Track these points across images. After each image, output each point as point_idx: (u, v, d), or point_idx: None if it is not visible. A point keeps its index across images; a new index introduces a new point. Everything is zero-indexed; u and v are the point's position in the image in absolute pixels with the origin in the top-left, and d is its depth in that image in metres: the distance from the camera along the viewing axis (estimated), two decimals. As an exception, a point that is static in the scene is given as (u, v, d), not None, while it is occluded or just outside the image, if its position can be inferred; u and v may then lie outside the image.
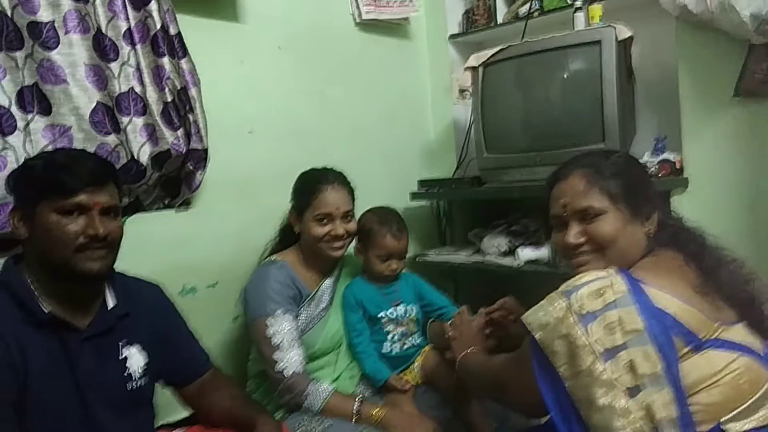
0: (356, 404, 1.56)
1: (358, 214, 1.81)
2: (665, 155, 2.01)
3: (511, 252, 2.29)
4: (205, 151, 1.83)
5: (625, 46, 2.02)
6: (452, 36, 2.74)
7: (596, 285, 1.02)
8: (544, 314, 1.04)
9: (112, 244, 1.23)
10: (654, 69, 2.20)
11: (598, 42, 1.98)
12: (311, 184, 1.73)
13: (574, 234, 1.17)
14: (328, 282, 1.80)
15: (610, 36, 1.97)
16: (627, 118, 2.07)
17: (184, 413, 1.50)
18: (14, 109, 1.46)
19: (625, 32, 1.97)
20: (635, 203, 1.16)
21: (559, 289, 1.06)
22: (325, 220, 1.69)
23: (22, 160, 1.39)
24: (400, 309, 1.79)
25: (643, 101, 2.24)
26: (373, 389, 1.74)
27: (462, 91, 2.70)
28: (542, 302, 1.06)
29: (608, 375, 0.96)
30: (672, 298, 1.01)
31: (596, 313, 0.99)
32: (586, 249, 1.16)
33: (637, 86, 2.21)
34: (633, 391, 0.95)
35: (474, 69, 2.29)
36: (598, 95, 1.99)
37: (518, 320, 1.53)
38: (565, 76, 2.10)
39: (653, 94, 2.23)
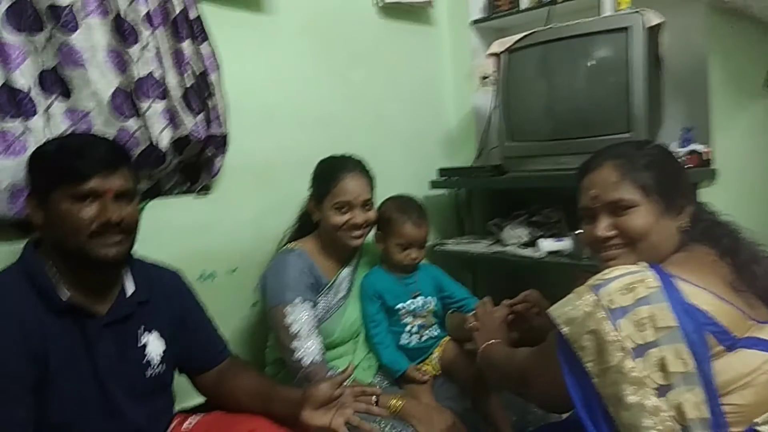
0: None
1: (377, 202, 1.79)
2: (693, 146, 1.96)
3: (531, 243, 2.26)
4: (225, 136, 1.82)
5: (653, 33, 1.96)
6: (474, 21, 2.68)
7: (627, 279, 0.99)
8: (572, 308, 1.01)
9: (127, 229, 1.22)
10: (683, 57, 2.13)
11: (626, 28, 1.93)
12: (331, 172, 1.71)
13: (603, 227, 1.13)
14: (346, 271, 1.79)
15: (638, 22, 1.91)
16: (654, 108, 2.02)
17: (200, 399, 1.50)
18: (34, 93, 1.45)
19: (654, 18, 1.92)
20: (668, 196, 1.12)
21: (588, 282, 1.03)
22: (344, 209, 1.67)
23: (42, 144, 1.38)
24: (419, 300, 1.77)
25: (670, 90, 2.18)
26: (390, 380, 1.73)
27: (483, 78, 2.65)
28: (570, 296, 1.04)
29: (638, 372, 0.93)
30: (706, 294, 0.98)
31: (626, 309, 0.96)
32: (616, 243, 1.13)
33: (665, 75, 2.15)
34: (663, 390, 0.93)
35: (497, 55, 2.24)
36: (624, 84, 1.94)
37: (542, 313, 1.52)
38: (591, 64, 2.05)
39: (681, 83, 2.17)
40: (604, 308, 0.97)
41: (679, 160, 1.25)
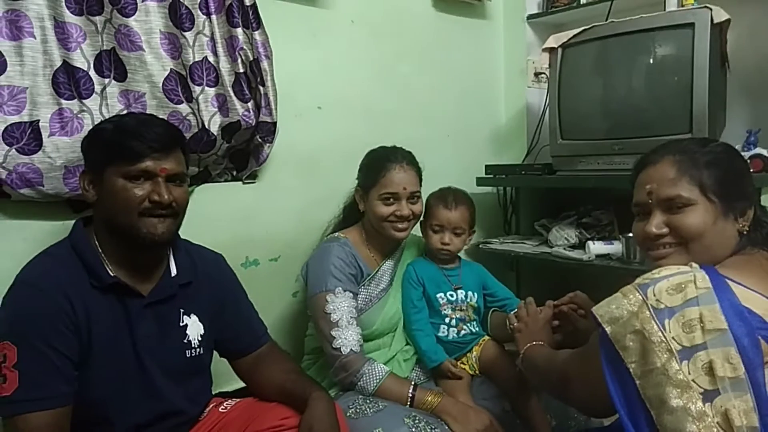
0: (411, 389, 1.52)
1: (423, 197, 1.76)
2: (757, 150, 1.87)
3: (580, 245, 2.19)
4: (274, 124, 1.83)
5: (720, 30, 1.88)
6: (531, 16, 2.63)
7: (677, 279, 0.95)
8: (617, 307, 0.98)
9: (176, 210, 1.24)
10: (750, 56, 2.04)
11: (692, 25, 1.85)
12: (379, 162, 1.69)
13: (656, 223, 1.09)
14: (388, 263, 1.77)
15: (705, 18, 1.82)
16: (717, 109, 1.93)
17: (240, 384, 1.51)
18: (92, 73, 1.49)
19: (721, 15, 1.83)
20: (729, 197, 1.06)
21: (635, 281, 0.99)
22: (391, 200, 1.65)
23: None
24: (460, 293, 1.74)
25: (735, 91, 2.08)
26: (426, 375, 1.70)
27: (538, 74, 2.60)
28: (615, 294, 1.00)
29: (684, 375, 0.89)
30: (762, 298, 0.93)
31: (675, 309, 0.92)
32: (667, 241, 1.09)
33: (731, 74, 2.05)
34: (710, 395, 0.88)
35: (553, 50, 2.18)
36: (687, 83, 1.86)
37: (587, 316, 1.47)
38: (653, 61, 1.97)
39: (747, 84, 2.07)
40: (651, 308, 0.94)
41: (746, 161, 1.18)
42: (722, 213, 1.06)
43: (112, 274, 1.20)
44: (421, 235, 1.82)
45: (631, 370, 0.94)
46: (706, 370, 0.89)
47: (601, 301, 1.02)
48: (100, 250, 1.22)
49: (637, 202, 1.15)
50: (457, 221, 1.73)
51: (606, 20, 2.16)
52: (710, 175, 1.06)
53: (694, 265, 0.99)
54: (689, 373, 0.89)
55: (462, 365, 1.73)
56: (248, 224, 1.93)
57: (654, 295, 0.94)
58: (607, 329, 0.98)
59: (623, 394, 0.96)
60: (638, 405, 0.93)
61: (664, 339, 0.91)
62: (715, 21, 1.82)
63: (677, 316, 0.92)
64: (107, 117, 1.49)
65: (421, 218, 1.77)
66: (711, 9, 1.81)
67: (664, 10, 1.99)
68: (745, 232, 1.08)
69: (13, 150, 1.38)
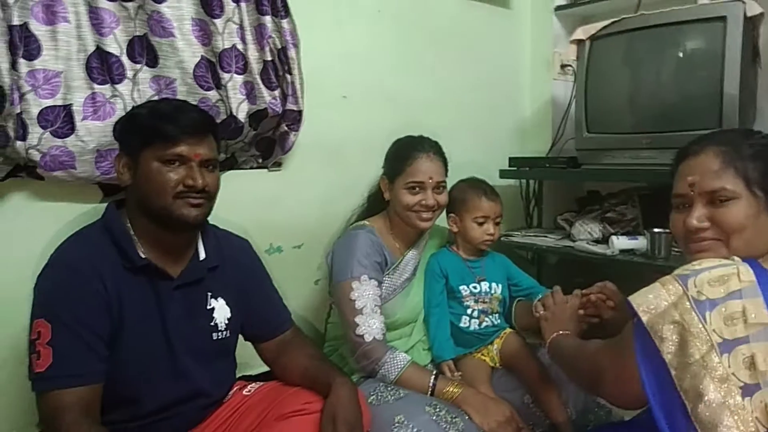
0: (432, 378, 1.53)
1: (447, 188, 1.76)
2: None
3: (603, 240, 2.18)
4: (300, 113, 1.84)
5: (753, 24, 1.85)
6: (558, 8, 2.60)
7: (719, 272, 0.93)
8: (655, 297, 0.96)
9: (209, 195, 1.26)
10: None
11: (724, 18, 1.82)
12: (406, 151, 1.69)
13: (697, 216, 1.06)
14: (412, 253, 1.77)
15: (737, 12, 1.80)
16: (748, 104, 1.91)
17: (264, 368, 1.53)
18: (124, 58, 1.51)
19: (755, 8, 1.80)
20: None
21: (675, 272, 0.98)
22: (416, 189, 1.65)
23: (129, 109, 1.44)
24: (484, 285, 1.74)
25: (766, 85, 2.04)
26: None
27: (564, 66, 2.57)
28: (654, 284, 0.98)
29: (724, 368, 0.88)
30: None
31: (716, 301, 0.91)
32: (708, 236, 1.06)
33: (762, 69, 2.01)
34: (750, 389, 0.87)
35: (581, 42, 2.16)
36: (718, 77, 1.83)
37: (616, 307, 1.46)
38: (683, 55, 1.95)
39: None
40: (691, 299, 0.93)
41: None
42: (765, 207, 1.03)
43: (143, 256, 1.22)
44: (445, 224, 1.81)
45: (667, 361, 0.93)
46: (747, 364, 0.88)
47: (638, 291, 1.00)
48: (132, 233, 1.24)
49: (677, 194, 1.12)
50: (499, 210, 1.74)
51: (636, 12, 2.14)
52: (755, 168, 1.03)
53: (736, 258, 0.97)
54: (729, 366, 0.88)
55: (483, 357, 1.73)
56: (273, 211, 1.94)
57: (695, 287, 0.93)
58: (644, 318, 0.96)
59: (657, 385, 0.95)
60: (673, 397, 0.92)
61: (704, 331, 0.90)
62: (748, 15, 1.79)
63: (719, 309, 0.91)
64: (139, 102, 1.51)
65: (453, 214, 1.76)
66: (744, 2, 1.78)
67: (696, 2, 1.97)
68: None
69: (47, 133, 1.41)
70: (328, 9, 2.03)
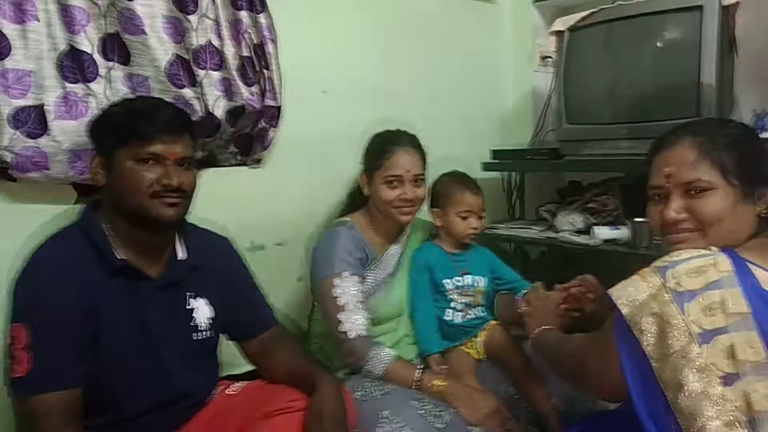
0: (417, 373, 1.53)
1: (428, 181, 1.75)
2: (766, 133, 1.85)
3: (586, 230, 2.18)
4: (279, 109, 1.82)
5: (729, 13, 1.85)
6: (537, -1, 2.60)
7: (697, 262, 0.94)
8: (635, 290, 0.97)
9: (185, 194, 1.24)
10: (758, 38, 2.01)
11: (700, 7, 1.82)
12: (383, 146, 1.69)
13: (675, 208, 1.06)
14: (395, 248, 1.77)
15: (713, 1, 1.80)
16: (725, 92, 1.92)
17: (248, 367, 1.52)
18: (97, 56, 1.49)
19: (730, -3, 1.81)
20: (749, 180, 1.04)
21: (654, 264, 0.98)
22: (395, 183, 1.65)
23: (102, 107, 1.41)
24: (468, 279, 1.74)
25: (742, 73, 2.06)
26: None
27: (544, 57, 2.57)
28: (633, 277, 0.99)
29: (704, 359, 0.88)
30: None
31: (695, 292, 0.91)
32: (686, 226, 1.06)
33: (738, 58, 2.03)
34: (730, 378, 0.88)
35: (559, 33, 2.16)
36: (695, 66, 1.84)
37: (597, 299, 1.47)
38: (660, 44, 1.95)
39: (755, 66, 2.04)
40: (670, 291, 0.93)
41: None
42: (742, 196, 1.03)
43: (120, 257, 1.20)
44: (427, 218, 1.81)
45: (647, 352, 0.93)
46: (727, 353, 0.88)
47: (617, 284, 1.01)
48: (109, 234, 1.22)
49: (654, 185, 1.12)
50: (481, 204, 1.75)
51: (613, 3, 2.14)
52: (731, 158, 1.03)
53: (714, 248, 0.98)
54: (709, 357, 0.89)
55: (467, 349, 1.74)
56: (253, 209, 1.93)
57: (673, 278, 0.93)
58: (624, 311, 0.97)
59: (639, 377, 0.95)
60: (653, 388, 0.93)
61: (683, 322, 0.90)
62: (724, 4, 1.80)
63: (698, 299, 0.91)
64: (112, 101, 1.48)
65: (436, 208, 1.76)
66: (720, -9, 1.79)
67: (672, -8, 1.97)
68: (763, 215, 1.06)
69: (19, 133, 1.38)
70: (305, 3, 2.01)
